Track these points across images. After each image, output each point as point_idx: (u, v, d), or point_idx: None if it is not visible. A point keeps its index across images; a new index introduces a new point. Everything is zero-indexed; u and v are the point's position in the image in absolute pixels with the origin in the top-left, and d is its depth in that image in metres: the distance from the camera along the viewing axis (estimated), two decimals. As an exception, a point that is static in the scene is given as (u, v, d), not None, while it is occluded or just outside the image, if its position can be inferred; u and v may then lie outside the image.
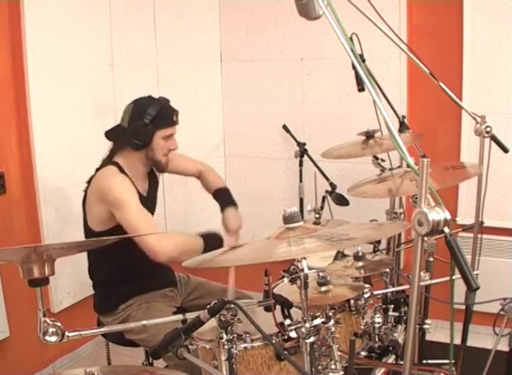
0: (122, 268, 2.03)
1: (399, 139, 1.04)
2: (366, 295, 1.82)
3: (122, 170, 2.07)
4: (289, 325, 1.42)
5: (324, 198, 2.59)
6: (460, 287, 1.09)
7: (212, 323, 1.35)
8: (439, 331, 2.83)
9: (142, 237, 1.88)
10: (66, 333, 1.25)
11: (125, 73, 3.07)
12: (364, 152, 2.20)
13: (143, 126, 2.03)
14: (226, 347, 1.34)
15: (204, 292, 2.30)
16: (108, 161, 2.12)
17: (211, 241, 2.00)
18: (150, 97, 2.12)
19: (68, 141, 2.76)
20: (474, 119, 1.77)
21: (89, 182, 2.09)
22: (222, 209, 2.32)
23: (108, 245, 1.88)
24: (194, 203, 3.42)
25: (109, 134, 2.15)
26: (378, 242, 2.16)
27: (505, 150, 1.87)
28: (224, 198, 2.37)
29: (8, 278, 2.48)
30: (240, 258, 1.42)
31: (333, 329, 1.51)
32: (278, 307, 1.47)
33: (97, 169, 2.11)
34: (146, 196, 2.19)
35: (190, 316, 1.45)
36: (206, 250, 1.95)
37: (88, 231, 2.09)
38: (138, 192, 2.11)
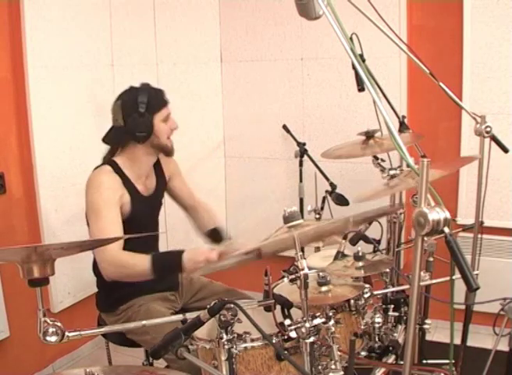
0: None
1: (399, 139, 1.04)
2: (366, 295, 1.82)
3: (118, 170, 2.04)
4: (289, 325, 1.42)
5: (324, 198, 2.59)
6: (460, 287, 1.09)
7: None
8: (439, 331, 2.83)
9: (98, 252, 1.88)
10: (66, 333, 1.25)
11: (125, 73, 3.07)
12: (364, 152, 2.19)
13: (140, 116, 2.01)
14: (226, 347, 1.34)
15: (207, 293, 2.27)
16: (107, 160, 2.10)
17: (163, 263, 1.87)
18: (131, 87, 2.09)
19: (68, 141, 2.76)
20: (474, 119, 1.77)
21: None
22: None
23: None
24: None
25: (107, 138, 2.12)
26: (379, 242, 2.16)
27: (505, 150, 1.87)
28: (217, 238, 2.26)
29: (8, 278, 2.48)
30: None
31: (333, 329, 1.51)
32: (278, 307, 1.47)
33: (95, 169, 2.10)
34: (147, 196, 2.16)
35: (190, 316, 1.45)
36: (157, 272, 1.84)
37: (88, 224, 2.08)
38: (136, 192, 2.09)
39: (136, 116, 2.01)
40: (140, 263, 1.85)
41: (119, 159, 2.08)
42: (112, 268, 1.88)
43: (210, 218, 2.36)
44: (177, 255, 1.87)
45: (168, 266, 1.89)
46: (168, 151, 2.15)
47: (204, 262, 1.84)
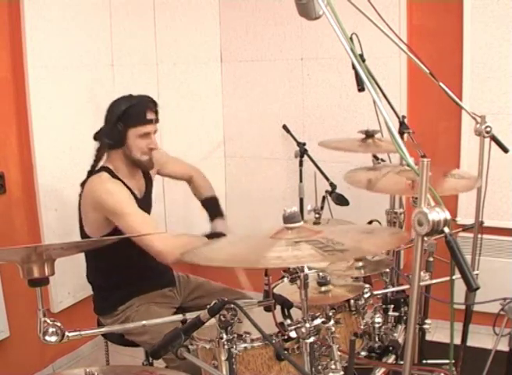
0: (120, 271, 2.02)
1: (399, 139, 1.04)
2: (366, 295, 1.82)
3: (114, 175, 2.06)
4: (289, 325, 1.42)
5: (324, 198, 2.59)
6: (460, 287, 1.09)
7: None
8: (439, 331, 2.83)
9: (147, 241, 1.88)
10: (66, 333, 1.25)
11: (125, 73, 3.07)
12: (361, 149, 2.20)
13: (113, 125, 2.02)
14: (226, 347, 1.34)
15: (204, 292, 2.30)
16: (97, 165, 2.11)
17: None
18: (129, 95, 2.09)
19: (68, 141, 2.76)
20: (474, 119, 1.77)
21: (82, 185, 2.08)
22: (211, 220, 2.34)
23: (105, 248, 1.88)
24: (194, 203, 3.41)
25: (95, 135, 2.14)
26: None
27: (505, 150, 1.87)
28: (213, 208, 2.35)
29: (8, 278, 2.48)
30: (229, 259, 1.39)
31: (333, 329, 1.51)
32: (278, 307, 1.47)
33: (89, 174, 2.10)
34: (141, 198, 2.17)
35: (190, 316, 1.45)
36: None
37: (85, 237, 2.08)
38: (134, 195, 2.09)
39: (111, 123, 2.03)
40: (198, 241, 1.93)
41: (109, 164, 2.10)
42: (177, 245, 1.87)
43: (205, 189, 2.47)
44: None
45: None
46: (144, 166, 2.13)
47: None
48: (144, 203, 2.19)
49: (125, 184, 2.08)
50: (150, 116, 2.05)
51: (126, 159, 2.08)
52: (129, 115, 2.01)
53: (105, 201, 1.96)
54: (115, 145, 2.05)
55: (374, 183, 1.96)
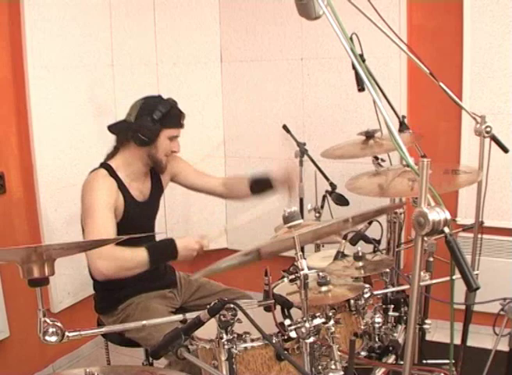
0: None
1: (399, 139, 1.04)
2: (366, 295, 1.82)
3: (112, 173, 2.06)
4: (289, 325, 1.42)
5: (324, 196, 2.59)
6: (460, 287, 1.09)
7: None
8: (439, 331, 2.83)
9: (89, 252, 1.83)
10: (66, 333, 1.25)
11: (125, 73, 3.07)
12: (364, 153, 2.19)
13: (151, 122, 2.04)
14: (226, 347, 1.34)
15: (205, 292, 2.30)
16: (110, 158, 2.13)
17: (159, 251, 1.91)
18: (160, 96, 2.14)
19: (68, 141, 2.76)
20: (474, 119, 1.77)
21: None
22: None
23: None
24: (194, 203, 3.42)
25: (112, 128, 2.14)
26: (379, 242, 2.15)
27: (505, 150, 1.87)
28: (261, 185, 2.35)
29: (8, 278, 2.48)
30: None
31: (333, 329, 1.51)
32: (278, 307, 1.47)
33: (99, 166, 2.11)
34: (142, 201, 2.17)
35: (190, 316, 1.45)
36: (153, 261, 1.87)
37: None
38: (130, 197, 2.10)
39: (148, 120, 2.04)
40: (137, 255, 1.86)
41: (114, 162, 2.10)
42: (110, 263, 1.83)
43: (241, 180, 2.38)
44: (171, 243, 1.91)
45: (164, 255, 1.93)
46: (160, 168, 2.17)
47: (198, 249, 1.93)
48: (146, 207, 2.19)
49: (123, 185, 2.07)
50: (182, 121, 2.14)
51: (148, 158, 2.12)
52: (168, 116, 2.06)
53: (84, 198, 1.99)
54: (147, 142, 2.06)
55: (386, 189, 1.96)
